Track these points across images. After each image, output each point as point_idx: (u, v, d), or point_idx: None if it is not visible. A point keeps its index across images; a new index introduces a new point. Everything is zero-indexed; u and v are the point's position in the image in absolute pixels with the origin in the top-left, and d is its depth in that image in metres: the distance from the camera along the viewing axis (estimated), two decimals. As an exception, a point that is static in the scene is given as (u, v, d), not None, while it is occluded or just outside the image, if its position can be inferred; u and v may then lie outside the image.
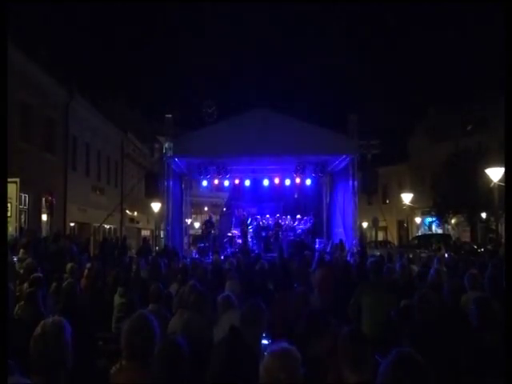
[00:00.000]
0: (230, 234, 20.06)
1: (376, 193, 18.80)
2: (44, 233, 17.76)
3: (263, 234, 19.57)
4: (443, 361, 3.26)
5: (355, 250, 15.17)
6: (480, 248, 22.57)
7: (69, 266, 8.39)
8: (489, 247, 20.28)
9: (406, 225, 37.11)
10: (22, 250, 10.55)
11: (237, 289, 6.18)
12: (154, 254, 16.37)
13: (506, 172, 4.20)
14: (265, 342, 3.78)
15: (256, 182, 20.36)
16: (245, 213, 20.50)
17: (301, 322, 3.68)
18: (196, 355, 3.51)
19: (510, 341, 2.99)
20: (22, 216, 17.10)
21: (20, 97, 17.06)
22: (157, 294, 5.63)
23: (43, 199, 16.87)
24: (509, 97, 4.22)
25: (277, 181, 19.94)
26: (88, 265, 8.73)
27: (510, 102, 4.21)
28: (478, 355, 3.63)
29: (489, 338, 3.77)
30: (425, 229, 37.75)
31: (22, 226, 16.50)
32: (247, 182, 20.32)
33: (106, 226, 26.39)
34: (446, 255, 14.48)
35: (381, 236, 38.71)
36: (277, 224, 19.56)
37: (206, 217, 23.64)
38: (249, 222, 20.33)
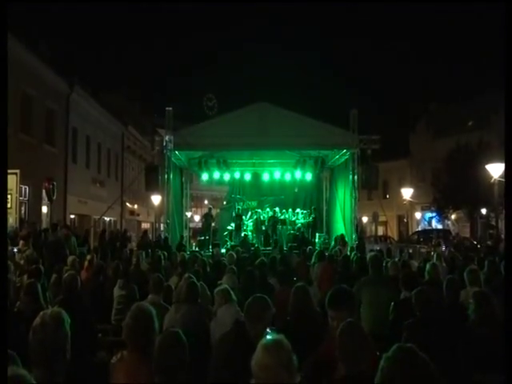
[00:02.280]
0: (229, 228, 20.06)
1: (376, 188, 18.73)
2: (44, 224, 17.77)
3: (263, 227, 19.58)
4: (442, 356, 3.26)
5: (354, 245, 15.19)
6: (480, 244, 22.58)
7: (71, 258, 8.41)
8: (489, 243, 20.28)
9: (405, 220, 37.11)
10: (22, 242, 10.58)
11: (235, 282, 6.19)
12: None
13: (506, 169, 4.18)
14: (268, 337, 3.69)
15: (256, 176, 20.33)
16: (239, 207, 20.48)
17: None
18: (193, 348, 3.51)
19: (509, 337, 2.98)
20: (23, 207, 17.12)
21: (20, 88, 17.01)
22: (158, 285, 5.64)
23: (43, 186, 16.75)
24: (509, 95, 4.19)
25: (277, 175, 19.91)
26: (88, 257, 8.75)
27: (510, 100, 4.19)
28: (475, 350, 3.64)
29: (486, 332, 3.78)
30: (425, 224, 37.77)
31: (22, 217, 16.52)
32: (247, 176, 20.28)
33: (106, 219, 26.39)
34: (446, 250, 14.50)
35: (381, 231, 38.73)
36: (275, 218, 19.55)
37: (205, 210, 23.62)
38: (248, 215, 20.32)
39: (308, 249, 12.39)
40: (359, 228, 16.59)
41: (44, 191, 16.79)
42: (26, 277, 6.82)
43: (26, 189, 17.26)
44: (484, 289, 5.21)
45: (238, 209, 20.09)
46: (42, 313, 2.78)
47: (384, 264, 7.53)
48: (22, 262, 8.70)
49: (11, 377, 1.93)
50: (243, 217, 19.95)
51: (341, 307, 3.41)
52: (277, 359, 2.18)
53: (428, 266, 6.93)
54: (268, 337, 2.36)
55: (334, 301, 3.48)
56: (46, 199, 17.45)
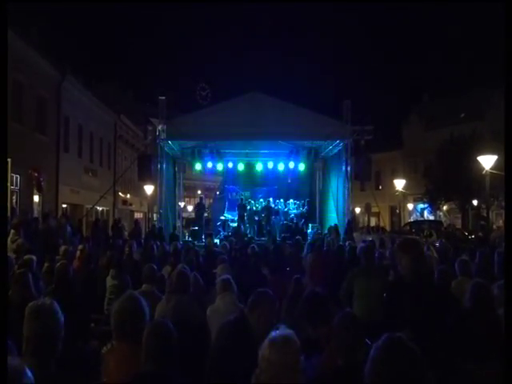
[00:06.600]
0: (222, 218, 20.05)
1: (369, 179, 18.78)
2: (36, 214, 17.66)
3: (256, 218, 19.59)
4: (434, 345, 3.28)
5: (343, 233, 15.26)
6: (471, 235, 22.75)
7: (63, 248, 8.38)
8: (480, 234, 20.44)
9: (398, 211, 37.28)
10: (12, 231, 10.49)
11: (230, 273, 6.19)
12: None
13: (506, 164, 4.18)
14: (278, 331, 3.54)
15: (249, 166, 20.30)
16: (241, 197, 20.46)
17: (299, 305, 3.56)
18: (185, 338, 3.51)
19: (509, 331, 3.00)
20: (14, 197, 17.00)
21: (10, 75, 16.78)
22: (150, 275, 5.64)
23: (32, 176, 16.59)
24: (509, 89, 4.17)
25: (270, 165, 19.88)
26: (80, 246, 8.71)
27: (510, 94, 4.17)
28: (467, 340, 3.65)
29: (479, 322, 3.80)
30: (417, 215, 37.94)
31: (14, 206, 16.40)
32: (240, 166, 20.23)
33: (99, 208, 26.29)
34: (437, 241, 14.61)
35: (373, 222, 38.89)
36: (270, 208, 19.57)
37: (198, 200, 23.57)
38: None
39: (301, 239, 12.42)
40: (347, 218, 16.62)
41: (33, 181, 16.65)
42: (16, 266, 6.77)
43: (17, 178, 17.12)
44: (476, 279, 5.23)
45: (241, 199, 20.06)
46: (34, 302, 2.77)
47: (377, 254, 7.57)
48: (11, 253, 8.61)
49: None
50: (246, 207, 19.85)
51: (319, 325, 3.32)
52: (282, 356, 2.15)
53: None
54: (277, 331, 2.28)
55: (312, 317, 3.38)
56: (35, 188, 17.30)
